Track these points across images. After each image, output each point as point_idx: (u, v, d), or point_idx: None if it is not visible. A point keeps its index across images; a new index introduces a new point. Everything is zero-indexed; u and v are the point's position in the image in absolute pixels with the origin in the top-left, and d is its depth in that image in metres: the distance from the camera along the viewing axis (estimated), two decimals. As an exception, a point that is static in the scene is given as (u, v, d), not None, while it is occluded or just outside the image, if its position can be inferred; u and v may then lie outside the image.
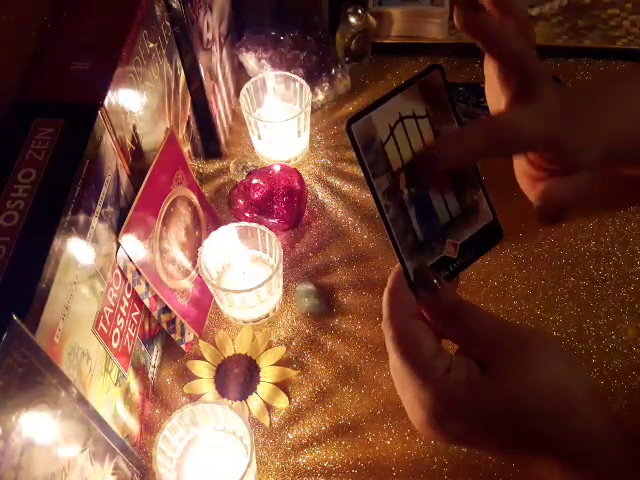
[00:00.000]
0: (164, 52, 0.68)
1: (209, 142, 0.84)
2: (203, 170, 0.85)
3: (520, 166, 0.43)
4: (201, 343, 0.70)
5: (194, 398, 0.68)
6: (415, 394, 0.37)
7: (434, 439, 0.38)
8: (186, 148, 0.77)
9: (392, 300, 0.39)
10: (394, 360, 0.38)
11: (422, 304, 0.39)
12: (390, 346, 0.38)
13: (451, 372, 0.37)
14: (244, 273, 0.74)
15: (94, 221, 0.52)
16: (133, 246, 0.59)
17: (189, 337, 0.70)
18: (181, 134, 0.75)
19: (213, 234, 0.71)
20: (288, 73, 0.84)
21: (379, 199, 0.37)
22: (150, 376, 0.67)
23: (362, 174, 0.37)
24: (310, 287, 0.74)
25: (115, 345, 0.57)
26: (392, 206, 0.38)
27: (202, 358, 0.70)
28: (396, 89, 0.37)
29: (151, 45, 0.64)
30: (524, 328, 0.41)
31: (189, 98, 0.78)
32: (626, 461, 0.36)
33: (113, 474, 0.54)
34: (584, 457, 0.36)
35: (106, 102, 0.54)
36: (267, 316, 0.72)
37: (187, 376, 0.69)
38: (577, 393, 0.37)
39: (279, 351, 0.70)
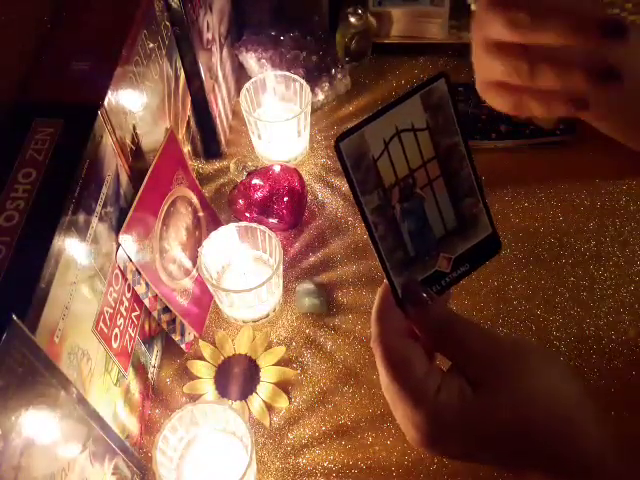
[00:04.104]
0: (164, 52, 0.68)
1: (209, 142, 0.84)
2: (203, 170, 0.85)
3: None
4: (201, 343, 0.70)
5: (194, 398, 0.67)
6: (407, 415, 0.36)
7: (431, 454, 0.38)
8: (186, 148, 0.77)
9: (381, 319, 0.38)
10: (384, 380, 0.38)
11: (411, 319, 0.38)
12: (380, 365, 0.38)
13: (442, 392, 0.36)
14: (244, 273, 0.74)
15: (94, 221, 0.52)
16: (133, 246, 0.59)
17: (189, 337, 0.70)
18: (181, 134, 0.75)
19: (213, 234, 0.71)
20: (288, 73, 0.84)
21: (367, 217, 0.35)
22: (150, 376, 0.67)
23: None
24: (310, 287, 0.73)
25: (115, 345, 0.57)
26: (381, 223, 0.36)
27: (202, 358, 0.70)
28: (396, 100, 0.34)
29: (151, 45, 0.64)
30: (514, 339, 0.40)
31: (189, 98, 0.78)
32: (623, 471, 0.36)
33: (113, 474, 0.54)
34: (580, 469, 0.36)
35: (106, 102, 0.54)
36: (267, 316, 0.72)
37: (187, 376, 0.69)
38: (570, 401, 0.37)
39: (279, 351, 0.70)
